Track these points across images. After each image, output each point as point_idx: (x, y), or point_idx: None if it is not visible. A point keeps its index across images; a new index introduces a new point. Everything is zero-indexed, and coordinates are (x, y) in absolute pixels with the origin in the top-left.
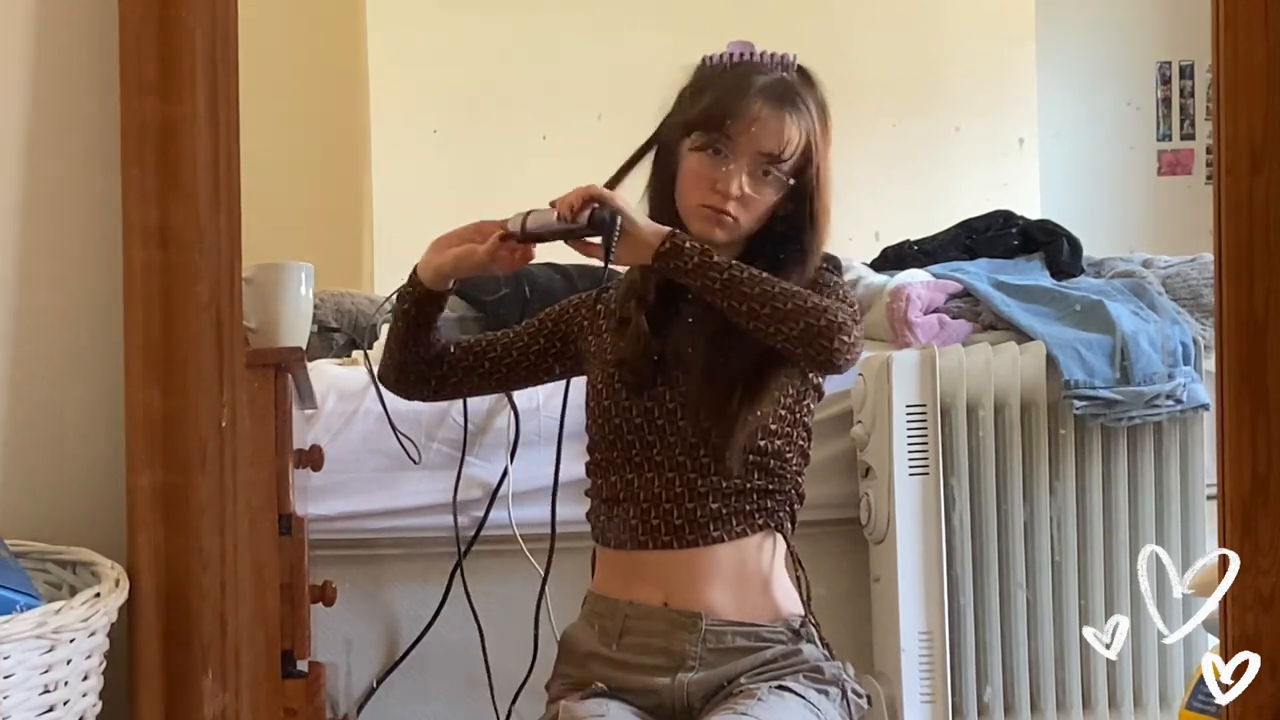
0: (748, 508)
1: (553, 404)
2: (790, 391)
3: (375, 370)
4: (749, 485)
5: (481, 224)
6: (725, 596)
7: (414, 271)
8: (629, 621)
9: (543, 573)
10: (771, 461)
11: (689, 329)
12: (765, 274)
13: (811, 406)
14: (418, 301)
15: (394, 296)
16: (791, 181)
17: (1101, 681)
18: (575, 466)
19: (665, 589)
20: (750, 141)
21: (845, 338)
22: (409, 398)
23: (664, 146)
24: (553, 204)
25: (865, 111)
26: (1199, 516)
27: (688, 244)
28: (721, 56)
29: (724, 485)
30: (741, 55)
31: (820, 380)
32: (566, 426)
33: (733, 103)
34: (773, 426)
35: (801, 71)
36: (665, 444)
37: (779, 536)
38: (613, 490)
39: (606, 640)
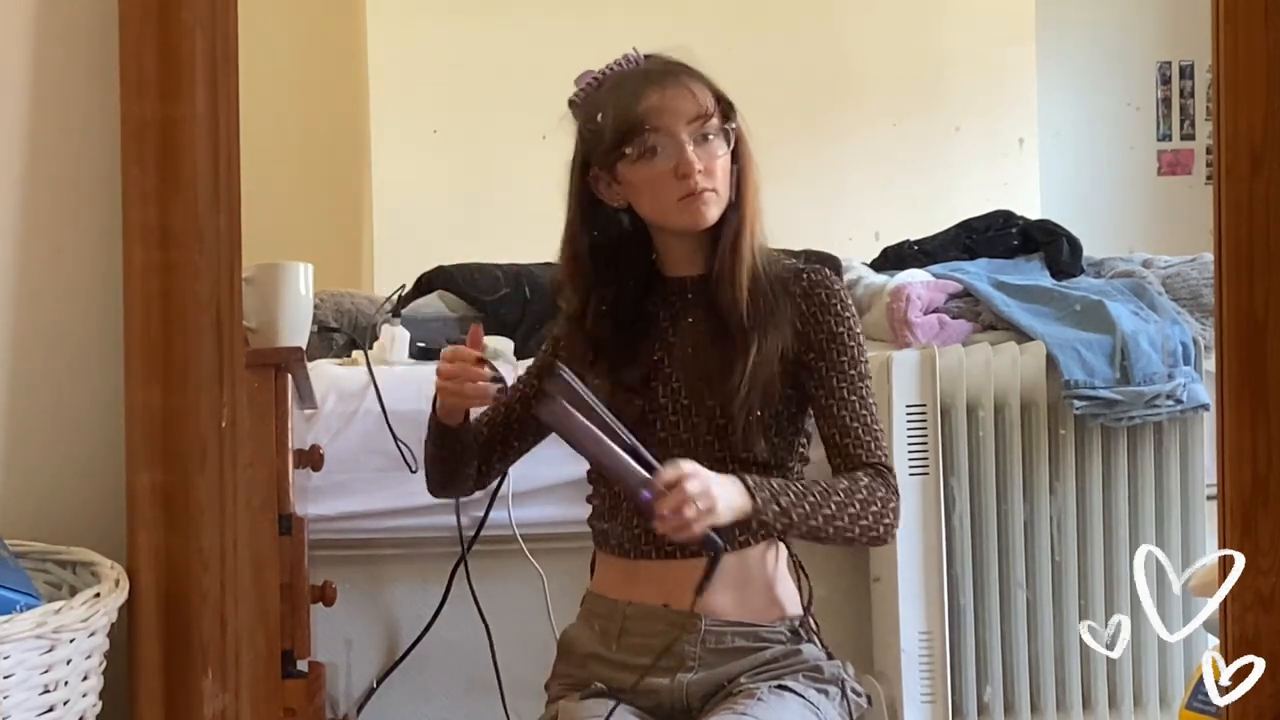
0: (749, 521)
1: None
2: (792, 402)
3: (427, 486)
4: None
5: (456, 351)
6: (726, 598)
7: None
8: (628, 622)
9: (542, 573)
10: (774, 472)
11: (681, 339)
12: (824, 490)
13: (801, 415)
14: (440, 438)
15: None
16: (732, 126)
17: (1101, 681)
18: (574, 467)
19: (666, 591)
20: (675, 119)
21: (894, 524)
22: (462, 496)
23: (590, 190)
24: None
25: (865, 112)
26: (1199, 517)
27: (765, 507)
28: (584, 88)
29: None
30: (598, 78)
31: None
32: None
33: (635, 103)
34: (775, 439)
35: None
36: (676, 443)
37: (781, 545)
38: (615, 499)
39: (605, 641)
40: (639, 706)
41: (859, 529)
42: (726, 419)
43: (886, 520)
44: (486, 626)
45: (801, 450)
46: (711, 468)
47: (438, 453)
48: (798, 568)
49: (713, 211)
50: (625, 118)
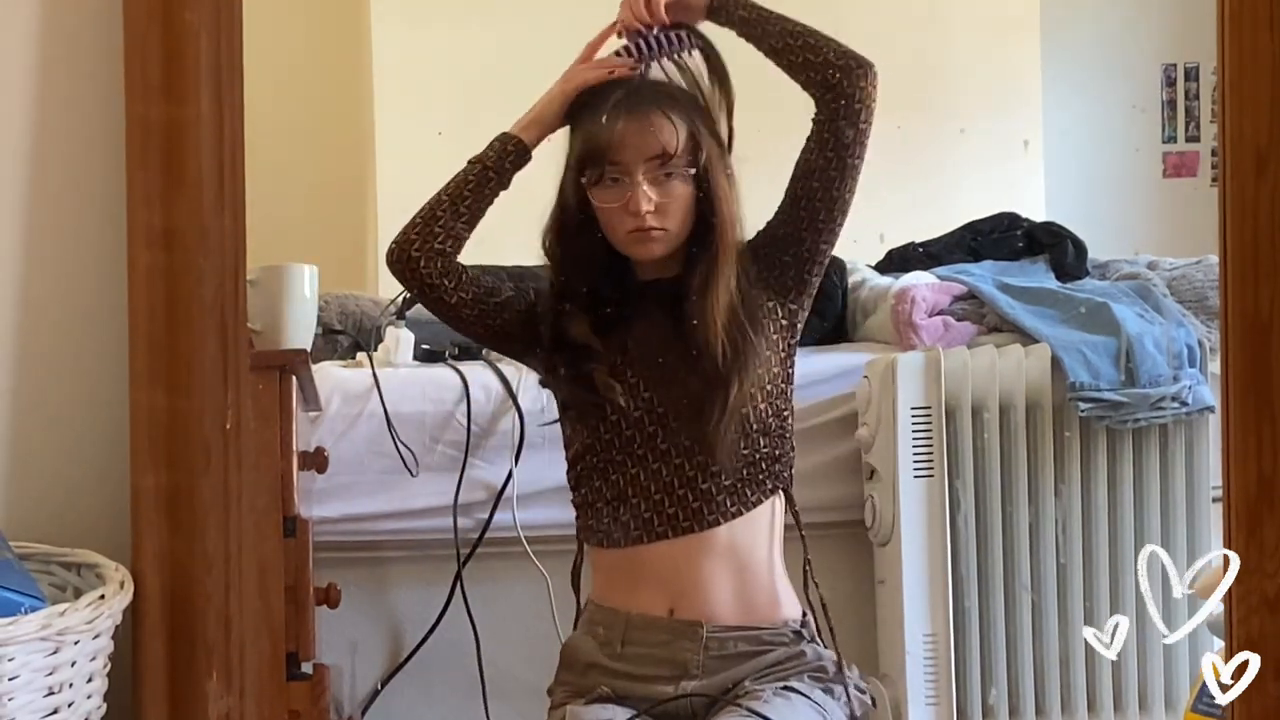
0: (759, 475)
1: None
2: (780, 347)
3: (390, 250)
4: (757, 454)
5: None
6: (727, 596)
7: (499, 137)
8: (631, 632)
9: (546, 575)
10: (772, 423)
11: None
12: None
13: (794, 349)
14: (502, 167)
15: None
16: (692, 171)
17: (1106, 684)
18: None
19: (670, 591)
20: (634, 155)
21: (871, 70)
22: (420, 282)
23: (568, 199)
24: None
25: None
26: (1204, 519)
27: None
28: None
29: (734, 459)
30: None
31: (799, 323)
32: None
33: (600, 131)
34: (768, 387)
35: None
36: (668, 431)
37: (781, 500)
38: (615, 489)
39: (608, 650)
40: (644, 713)
41: (834, 50)
42: (706, 451)
43: (863, 65)
44: (475, 632)
45: (792, 401)
46: (715, 437)
47: (475, 189)
48: (798, 525)
49: (658, 249)
50: (590, 143)
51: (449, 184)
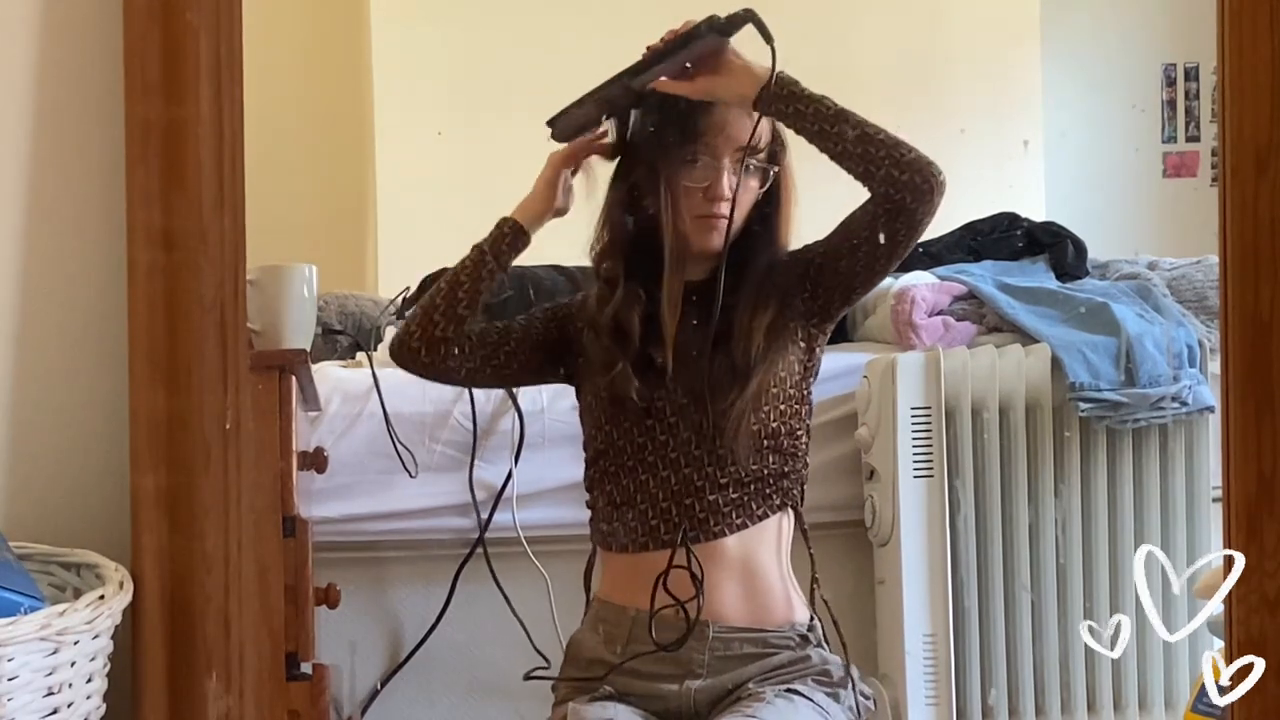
0: (766, 490)
1: (557, 406)
2: (796, 369)
3: (393, 342)
4: (766, 470)
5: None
6: (735, 598)
7: (499, 221)
8: (637, 628)
9: (546, 575)
10: (785, 441)
11: (687, 322)
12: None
13: (813, 381)
14: (499, 250)
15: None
16: (775, 169)
17: (1106, 684)
18: (578, 469)
19: (676, 592)
20: (726, 141)
21: (940, 184)
22: (424, 372)
23: (632, 178)
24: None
25: (869, 113)
26: (1204, 519)
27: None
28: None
29: (742, 473)
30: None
31: (819, 348)
32: (564, 429)
33: (699, 111)
34: (781, 407)
35: None
36: (679, 440)
37: (790, 517)
38: (625, 494)
39: (612, 646)
40: (647, 710)
41: (905, 152)
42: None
43: (929, 165)
44: (508, 602)
45: (807, 422)
46: (726, 449)
47: (473, 282)
48: (805, 539)
49: (719, 240)
50: (685, 121)
51: (451, 271)
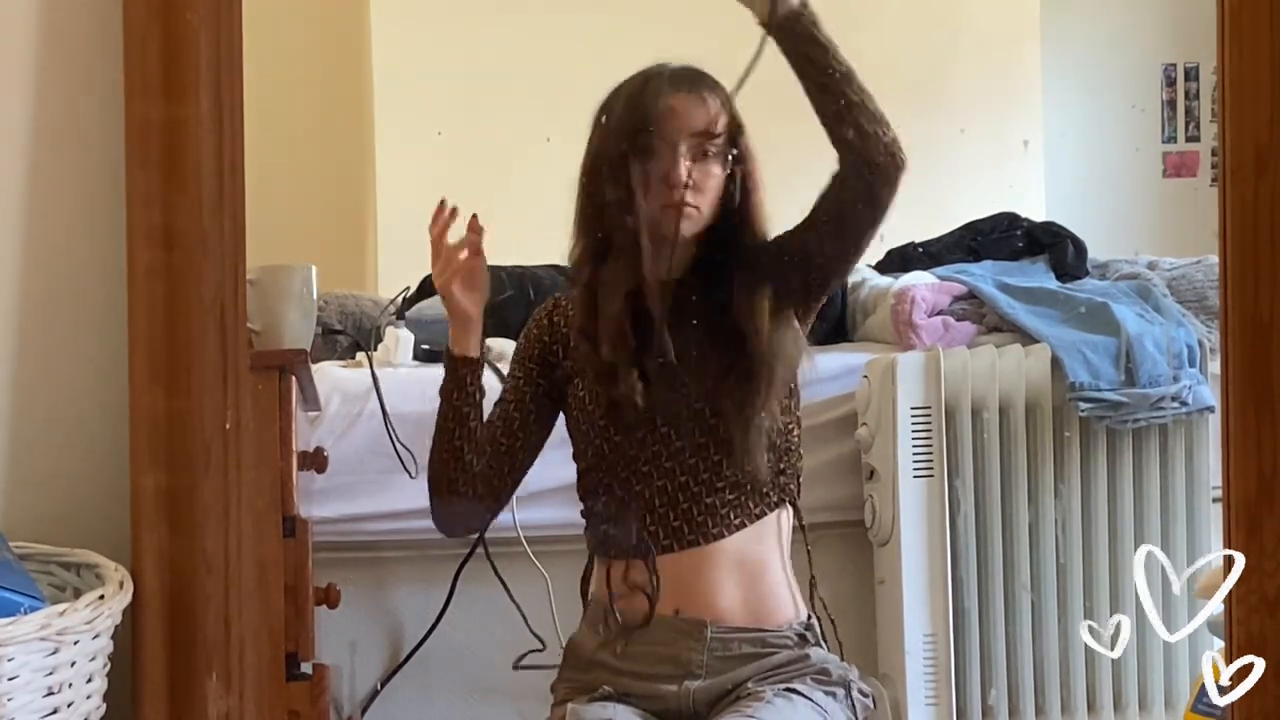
0: (764, 488)
1: None
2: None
3: (433, 516)
4: (763, 468)
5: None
6: (735, 599)
7: (445, 364)
8: (635, 630)
9: (546, 575)
10: (778, 439)
11: (682, 335)
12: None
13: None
14: (461, 384)
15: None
16: (734, 152)
17: (1106, 684)
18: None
19: (675, 593)
20: (680, 127)
21: (903, 152)
22: (475, 522)
23: (595, 176)
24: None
25: None
26: (1204, 519)
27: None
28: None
29: (738, 476)
30: None
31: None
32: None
33: (650, 101)
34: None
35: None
36: (672, 450)
37: (789, 511)
38: (620, 504)
39: (611, 647)
40: (646, 710)
41: (885, 130)
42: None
43: (899, 147)
44: (507, 591)
45: (798, 414)
46: (725, 456)
47: (449, 437)
48: (802, 533)
49: (687, 228)
50: (638, 113)
51: (435, 428)
